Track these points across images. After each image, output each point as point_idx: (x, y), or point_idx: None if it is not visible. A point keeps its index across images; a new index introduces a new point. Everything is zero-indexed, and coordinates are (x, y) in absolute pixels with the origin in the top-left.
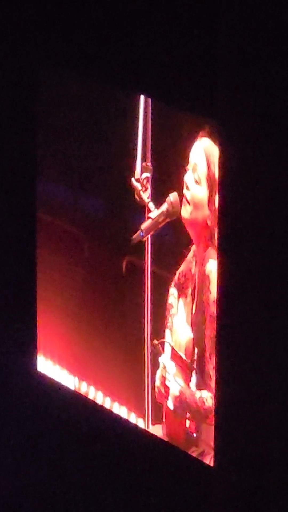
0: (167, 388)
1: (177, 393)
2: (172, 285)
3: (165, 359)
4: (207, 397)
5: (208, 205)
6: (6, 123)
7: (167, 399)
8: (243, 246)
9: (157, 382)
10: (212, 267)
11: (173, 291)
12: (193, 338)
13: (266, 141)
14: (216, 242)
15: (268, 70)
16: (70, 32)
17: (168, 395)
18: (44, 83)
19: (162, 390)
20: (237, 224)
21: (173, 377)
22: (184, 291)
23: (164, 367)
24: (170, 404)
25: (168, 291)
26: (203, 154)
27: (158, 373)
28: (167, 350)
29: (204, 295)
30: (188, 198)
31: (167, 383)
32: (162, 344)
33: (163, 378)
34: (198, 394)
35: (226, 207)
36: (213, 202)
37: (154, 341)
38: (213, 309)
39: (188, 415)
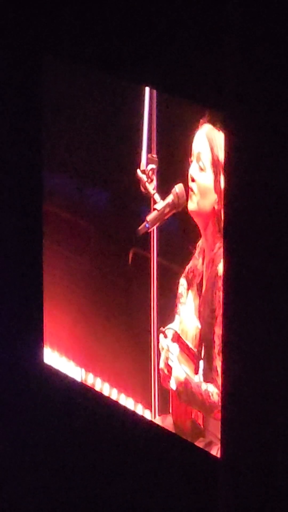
0: (169, 368)
1: (182, 379)
2: (183, 276)
3: (168, 341)
4: (213, 392)
5: (214, 189)
6: (12, 116)
7: (170, 379)
8: (249, 234)
9: (161, 364)
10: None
11: (183, 282)
12: (200, 329)
13: (272, 125)
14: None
15: (274, 55)
16: (75, 24)
17: (171, 375)
18: (49, 75)
19: (165, 371)
20: (243, 210)
21: (175, 357)
22: (192, 285)
23: (168, 349)
24: (173, 385)
25: (173, 282)
26: (206, 140)
27: (162, 355)
28: (171, 335)
29: (216, 294)
30: (194, 190)
31: (169, 362)
32: (169, 332)
33: (167, 359)
34: (204, 386)
35: (232, 192)
36: (219, 185)
37: (161, 329)
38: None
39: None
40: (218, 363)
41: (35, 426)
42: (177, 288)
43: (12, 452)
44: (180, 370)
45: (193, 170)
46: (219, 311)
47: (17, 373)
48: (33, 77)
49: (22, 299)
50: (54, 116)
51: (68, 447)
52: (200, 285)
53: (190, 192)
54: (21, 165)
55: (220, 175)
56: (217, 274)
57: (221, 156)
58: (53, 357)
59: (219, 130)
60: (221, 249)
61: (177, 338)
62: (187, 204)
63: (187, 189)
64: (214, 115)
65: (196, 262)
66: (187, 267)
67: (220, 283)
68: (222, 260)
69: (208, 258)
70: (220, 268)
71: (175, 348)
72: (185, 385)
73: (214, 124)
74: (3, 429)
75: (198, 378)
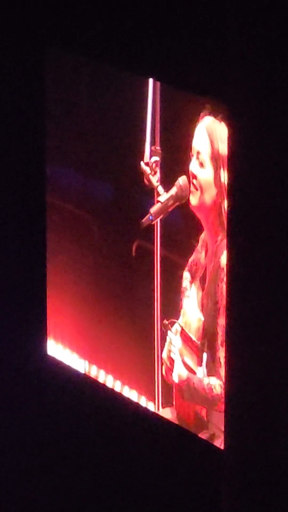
0: (172, 360)
1: (184, 377)
2: (186, 269)
3: (171, 334)
4: (215, 384)
5: (214, 183)
6: (15, 108)
7: (172, 371)
8: (252, 226)
9: (164, 355)
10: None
11: (187, 275)
12: (203, 321)
13: (275, 116)
14: (225, 222)
15: (276, 46)
16: (77, 16)
17: (173, 367)
18: (52, 67)
19: (168, 363)
20: (246, 203)
21: (177, 350)
22: (195, 278)
23: (170, 342)
24: (175, 378)
25: (177, 274)
26: (206, 134)
27: (166, 347)
28: (176, 328)
29: (218, 285)
30: (196, 185)
31: (171, 355)
32: (172, 324)
33: (169, 352)
34: (206, 380)
35: (236, 186)
36: (219, 178)
37: (164, 321)
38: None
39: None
40: (221, 354)
41: (39, 418)
42: (181, 281)
43: (15, 444)
44: (182, 368)
45: (193, 166)
46: (222, 303)
47: (21, 365)
48: (36, 70)
49: (25, 292)
50: (57, 109)
51: (72, 439)
52: (203, 277)
53: (192, 188)
54: (25, 158)
55: (220, 168)
56: (219, 266)
57: (222, 148)
58: (56, 349)
59: (220, 122)
60: (223, 242)
61: (180, 331)
62: (189, 199)
63: (189, 185)
64: (216, 106)
65: (199, 255)
66: (190, 260)
67: (222, 275)
68: (224, 252)
69: (211, 250)
70: (223, 260)
71: (177, 340)
72: (187, 382)
73: (215, 116)
74: (7, 421)
75: (201, 370)
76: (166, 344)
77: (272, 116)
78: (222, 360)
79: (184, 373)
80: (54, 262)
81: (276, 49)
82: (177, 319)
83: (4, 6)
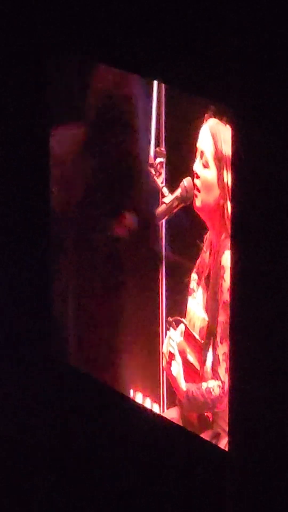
0: (171, 355)
1: (184, 388)
2: (194, 271)
3: (173, 331)
4: (213, 386)
5: (217, 184)
6: (18, 112)
7: (170, 365)
8: (255, 229)
9: (164, 349)
10: (228, 257)
11: (194, 277)
12: (208, 321)
13: (280, 117)
14: (228, 223)
15: (281, 46)
16: (81, 17)
17: (172, 360)
18: (54, 69)
19: (167, 357)
20: (249, 205)
21: (175, 344)
22: (201, 278)
23: (170, 337)
24: (174, 371)
25: (182, 275)
26: (209, 134)
27: (165, 342)
28: (180, 327)
29: (219, 283)
30: (199, 186)
31: (169, 349)
32: (176, 321)
33: (168, 345)
34: (204, 385)
35: (239, 188)
36: (222, 179)
37: (168, 318)
38: (226, 297)
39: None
40: (219, 351)
41: (42, 419)
42: (187, 282)
43: (19, 444)
44: (182, 381)
45: (197, 167)
46: (222, 300)
47: (27, 365)
48: (38, 72)
49: (31, 291)
50: (60, 112)
51: (75, 440)
52: (208, 277)
53: (195, 190)
54: (27, 161)
55: (223, 169)
56: (220, 263)
57: (225, 150)
58: (61, 349)
59: (225, 124)
60: (225, 241)
61: (184, 329)
62: (194, 200)
63: (193, 186)
64: (220, 108)
65: (204, 255)
66: (197, 262)
67: (222, 272)
68: (225, 251)
69: (214, 250)
70: (223, 258)
71: (177, 335)
72: (186, 395)
73: (220, 118)
74: (10, 420)
75: (205, 369)
76: (166, 338)
77: (275, 118)
78: (221, 358)
79: (184, 386)
80: (58, 264)
81: (280, 51)
82: (182, 318)
83: (5, 6)
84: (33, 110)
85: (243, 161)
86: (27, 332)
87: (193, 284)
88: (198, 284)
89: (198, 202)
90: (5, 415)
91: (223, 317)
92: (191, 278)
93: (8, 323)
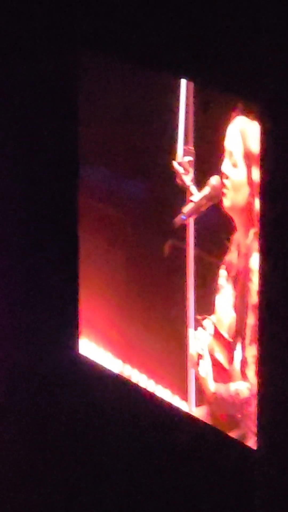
0: (199, 355)
1: (212, 390)
2: (223, 267)
3: (200, 329)
4: (242, 389)
5: (247, 182)
6: (48, 109)
7: (198, 365)
8: (284, 226)
9: (192, 350)
10: (256, 260)
11: (223, 273)
12: (236, 320)
13: None
14: (256, 222)
15: None
16: (112, 17)
17: (200, 359)
18: (85, 67)
19: (195, 357)
20: (279, 202)
21: (206, 345)
22: (229, 277)
23: (199, 337)
24: (202, 371)
25: (210, 273)
26: (238, 133)
27: (193, 341)
28: (210, 327)
29: (247, 285)
30: (228, 186)
31: (198, 349)
32: (205, 320)
33: (198, 347)
34: (233, 387)
35: (267, 185)
36: (251, 178)
37: (197, 316)
38: (255, 299)
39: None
40: (248, 354)
41: (70, 418)
42: (215, 279)
43: (48, 445)
44: (212, 383)
45: (225, 167)
46: (250, 303)
47: (53, 364)
48: (70, 70)
49: (58, 289)
50: (90, 109)
51: (104, 439)
52: (236, 277)
53: (224, 190)
54: (58, 157)
55: (252, 167)
56: (248, 265)
57: (254, 147)
58: (89, 348)
59: (252, 120)
60: (253, 243)
61: (213, 328)
62: (221, 199)
63: (222, 186)
64: (248, 106)
65: (232, 255)
66: (225, 259)
67: (251, 275)
68: (253, 254)
69: (243, 251)
70: (251, 261)
71: (206, 335)
72: (215, 397)
73: (247, 115)
74: (39, 421)
75: (233, 368)
76: (194, 338)
77: None
78: (250, 360)
79: (212, 387)
80: (87, 261)
81: None
82: (210, 317)
83: (38, 5)
84: (64, 107)
85: (271, 158)
86: (54, 327)
87: (221, 280)
88: (226, 281)
89: (227, 202)
90: (30, 409)
91: (252, 320)
92: (220, 274)
93: (35, 315)
